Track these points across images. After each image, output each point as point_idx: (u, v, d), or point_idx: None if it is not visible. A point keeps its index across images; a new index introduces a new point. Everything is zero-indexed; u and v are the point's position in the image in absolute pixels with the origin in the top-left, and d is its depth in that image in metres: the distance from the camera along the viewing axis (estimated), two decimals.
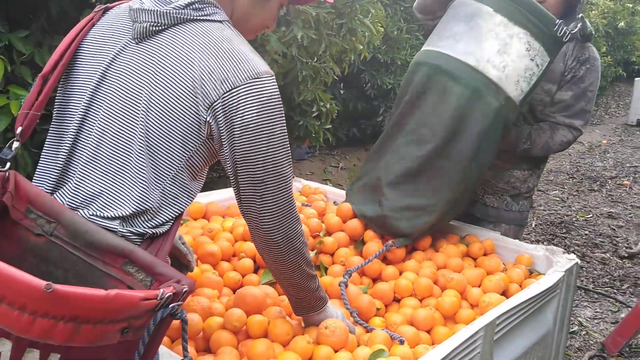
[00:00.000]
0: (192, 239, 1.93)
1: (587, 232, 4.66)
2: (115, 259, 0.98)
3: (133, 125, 1.06)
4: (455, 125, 1.82)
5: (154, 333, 0.90)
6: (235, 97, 1.05)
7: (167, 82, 1.05)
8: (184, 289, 0.93)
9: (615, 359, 2.93)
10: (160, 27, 1.09)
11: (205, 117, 1.05)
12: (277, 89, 1.11)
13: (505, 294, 1.78)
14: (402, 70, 5.37)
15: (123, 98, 1.07)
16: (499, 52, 1.81)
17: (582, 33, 2.03)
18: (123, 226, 1.03)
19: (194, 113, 1.05)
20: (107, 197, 1.05)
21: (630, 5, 9.35)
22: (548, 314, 1.83)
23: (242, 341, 1.41)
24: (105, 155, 1.07)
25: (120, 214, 1.03)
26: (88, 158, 1.08)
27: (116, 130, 1.07)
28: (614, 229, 4.78)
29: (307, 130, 3.33)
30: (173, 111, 1.05)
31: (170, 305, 0.89)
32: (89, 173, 1.07)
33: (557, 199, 5.63)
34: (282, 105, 1.11)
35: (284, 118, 1.13)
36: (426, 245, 1.97)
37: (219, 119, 1.05)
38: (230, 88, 1.05)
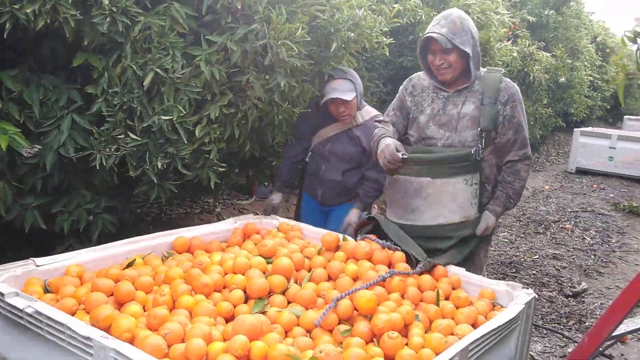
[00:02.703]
0: (183, 272, 2.05)
1: (534, 272, 4.95)
2: None
3: None
4: None
5: None
6: None
7: None
8: None
9: None
10: None
11: None
12: None
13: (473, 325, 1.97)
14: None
15: None
16: (453, 201, 2.50)
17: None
18: None
19: None
20: None
21: (570, 62, 10.05)
22: (511, 344, 2.02)
23: None
24: None
25: None
26: None
27: None
28: (559, 269, 5.10)
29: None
30: None
31: None
32: None
33: (506, 240, 5.94)
34: None
35: None
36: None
37: None
38: None
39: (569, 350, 3.60)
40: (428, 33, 2.46)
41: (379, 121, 2.78)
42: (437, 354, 1.65)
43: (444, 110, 2.58)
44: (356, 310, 1.87)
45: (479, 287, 2.25)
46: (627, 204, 7.88)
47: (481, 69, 2.61)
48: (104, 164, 2.64)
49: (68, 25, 2.52)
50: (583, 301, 4.40)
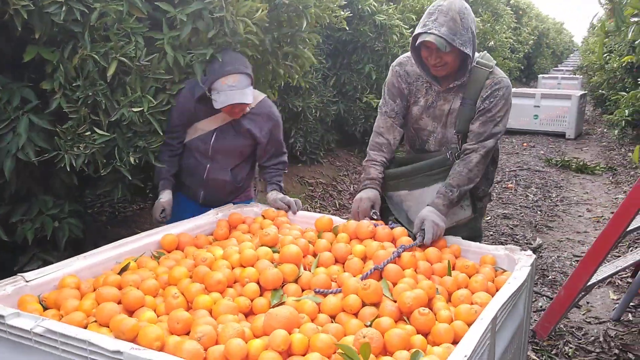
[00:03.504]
0: (187, 270, 1.95)
1: (491, 232, 5.12)
2: None
3: None
4: None
5: None
6: None
7: None
8: None
9: (546, 343, 3.27)
10: None
11: None
12: None
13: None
14: (310, 92, 5.58)
15: None
16: None
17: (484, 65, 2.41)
18: None
19: None
20: None
21: (497, 28, 10.37)
22: (520, 306, 2.07)
23: (288, 358, 1.49)
24: None
25: None
26: None
27: None
28: (512, 228, 5.30)
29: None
30: None
31: None
32: None
33: None
34: None
35: None
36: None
37: None
38: None
39: (540, 304, 3.75)
40: (425, 34, 2.21)
41: (376, 139, 2.60)
42: (469, 325, 1.66)
43: (436, 104, 2.47)
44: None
45: (479, 253, 2.28)
46: (559, 159, 8.28)
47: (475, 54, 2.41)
48: (74, 164, 2.46)
49: (19, 17, 2.32)
50: (541, 256, 4.59)
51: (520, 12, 16.56)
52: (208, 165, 2.76)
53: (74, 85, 2.49)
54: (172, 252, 2.25)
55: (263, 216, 2.60)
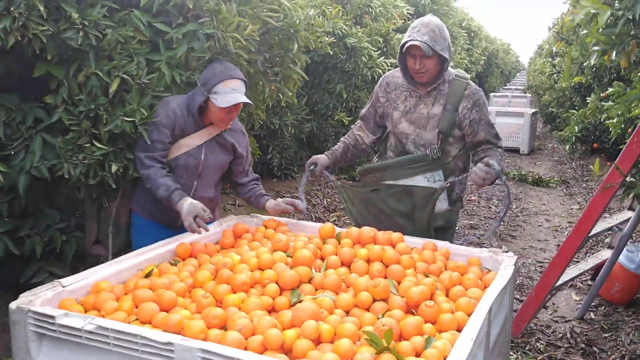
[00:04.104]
0: (210, 273, 2.14)
1: (460, 242, 5.42)
2: None
3: None
4: None
5: None
6: None
7: None
8: None
9: (520, 340, 3.56)
10: None
11: None
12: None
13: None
14: (287, 111, 5.80)
15: None
16: None
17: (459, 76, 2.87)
18: None
19: None
20: None
21: (453, 49, 10.83)
22: (506, 300, 2.32)
23: (318, 345, 1.69)
24: None
25: None
26: None
27: None
28: (479, 237, 5.62)
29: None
30: None
31: None
32: None
33: None
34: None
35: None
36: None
37: None
38: None
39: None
40: (411, 40, 2.66)
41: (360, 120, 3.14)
42: (468, 315, 1.90)
43: (415, 109, 2.86)
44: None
45: (465, 256, 2.52)
46: (516, 173, 8.73)
47: (450, 70, 2.89)
48: (72, 173, 2.59)
49: (37, 41, 2.47)
50: None
51: (472, 34, 17.27)
52: (195, 183, 2.73)
53: (76, 99, 2.63)
54: (186, 259, 2.41)
55: (265, 226, 2.79)
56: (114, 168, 2.68)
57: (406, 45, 2.69)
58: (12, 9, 2.33)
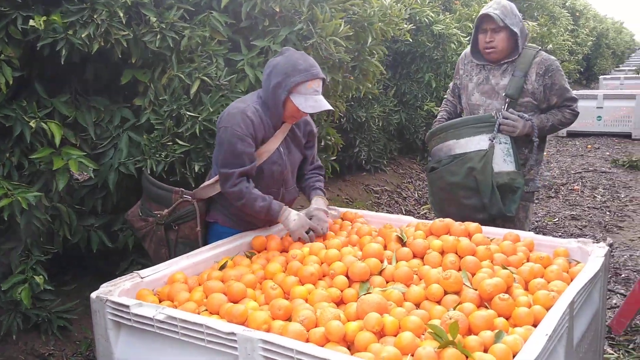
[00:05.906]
0: (281, 266, 2.15)
1: (559, 234, 5.12)
2: None
3: None
4: None
5: None
6: None
7: None
8: None
9: (623, 338, 3.29)
10: None
11: None
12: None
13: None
14: (372, 103, 5.75)
15: None
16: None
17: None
18: None
19: None
20: None
21: (554, 31, 10.28)
22: (595, 295, 2.16)
23: (381, 338, 1.65)
24: None
25: None
26: None
27: None
28: (581, 229, 5.28)
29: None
30: None
31: None
32: None
33: None
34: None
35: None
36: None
37: None
38: None
39: (614, 301, 3.76)
40: (484, 11, 2.89)
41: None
42: (547, 309, 1.77)
43: (487, 81, 3.04)
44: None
45: (551, 247, 2.37)
46: (626, 159, 8.11)
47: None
48: (154, 169, 2.70)
49: (119, 45, 2.60)
50: (613, 255, 4.57)
51: (577, 14, 16.25)
52: (282, 190, 2.57)
53: (160, 99, 2.75)
54: (261, 252, 2.45)
55: (342, 218, 2.77)
56: (196, 167, 2.79)
57: (479, 15, 2.91)
58: (95, 16, 2.47)
